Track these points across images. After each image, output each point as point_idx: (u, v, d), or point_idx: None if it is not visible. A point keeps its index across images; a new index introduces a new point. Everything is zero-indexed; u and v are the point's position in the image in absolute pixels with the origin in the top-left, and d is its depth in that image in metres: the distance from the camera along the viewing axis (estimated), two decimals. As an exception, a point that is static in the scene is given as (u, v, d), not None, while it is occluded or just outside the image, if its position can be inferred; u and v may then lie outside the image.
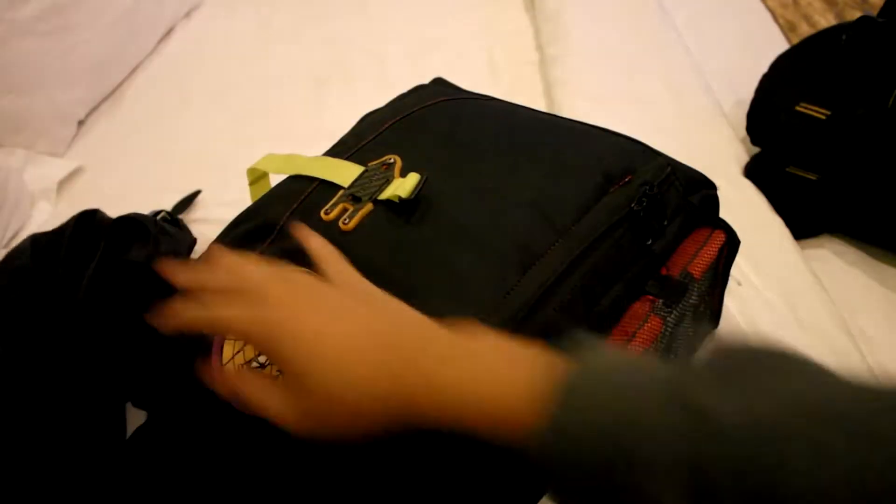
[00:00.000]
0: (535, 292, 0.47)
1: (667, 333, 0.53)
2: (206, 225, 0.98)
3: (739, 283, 0.80)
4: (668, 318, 0.53)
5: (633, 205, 0.54)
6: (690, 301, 0.56)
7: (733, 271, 0.76)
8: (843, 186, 0.85)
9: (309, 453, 0.49)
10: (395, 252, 0.51)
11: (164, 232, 0.76)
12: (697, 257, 0.57)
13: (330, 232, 0.54)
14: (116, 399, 0.73)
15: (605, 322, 0.51)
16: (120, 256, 0.70)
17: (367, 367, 0.39)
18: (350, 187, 0.57)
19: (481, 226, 0.52)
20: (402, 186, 0.53)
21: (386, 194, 0.54)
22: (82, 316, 0.68)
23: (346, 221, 0.54)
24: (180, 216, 0.99)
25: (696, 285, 0.57)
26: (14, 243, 1.01)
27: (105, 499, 0.64)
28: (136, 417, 0.73)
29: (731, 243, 0.62)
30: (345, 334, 0.40)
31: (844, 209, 0.88)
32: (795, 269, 0.82)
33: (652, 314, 0.52)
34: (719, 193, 0.64)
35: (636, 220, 0.54)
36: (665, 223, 0.56)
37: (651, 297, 0.53)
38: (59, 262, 0.76)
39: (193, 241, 0.79)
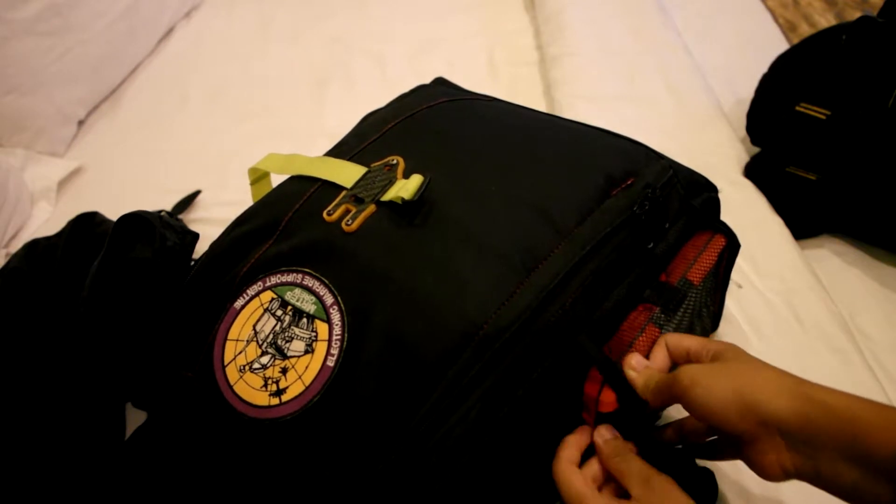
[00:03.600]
0: (537, 295, 0.47)
1: None
2: (207, 225, 0.98)
3: (740, 286, 0.81)
4: (666, 327, 0.53)
5: (635, 208, 0.53)
6: (689, 307, 0.56)
7: (734, 272, 0.76)
8: (843, 186, 0.85)
9: (306, 453, 0.49)
10: (398, 253, 0.51)
11: (168, 226, 0.76)
12: (696, 263, 0.57)
13: (333, 233, 0.54)
14: (116, 399, 0.73)
15: (606, 325, 0.51)
16: (124, 254, 0.70)
17: None
18: (353, 188, 0.57)
19: (483, 228, 0.52)
20: (406, 188, 0.53)
21: (389, 196, 0.54)
22: (86, 314, 0.68)
23: (350, 223, 0.54)
24: (180, 216, 0.99)
25: (695, 291, 0.56)
26: (14, 243, 1.02)
27: (105, 499, 0.64)
28: (136, 417, 0.73)
29: (732, 247, 0.62)
30: None
31: (844, 209, 0.88)
32: (795, 268, 0.82)
33: (650, 323, 0.52)
34: (719, 194, 0.64)
35: (638, 224, 0.53)
36: (667, 226, 0.56)
37: (649, 306, 0.53)
38: (55, 265, 0.76)
39: (196, 238, 0.79)
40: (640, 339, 0.51)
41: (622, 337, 0.51)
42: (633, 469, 0.45)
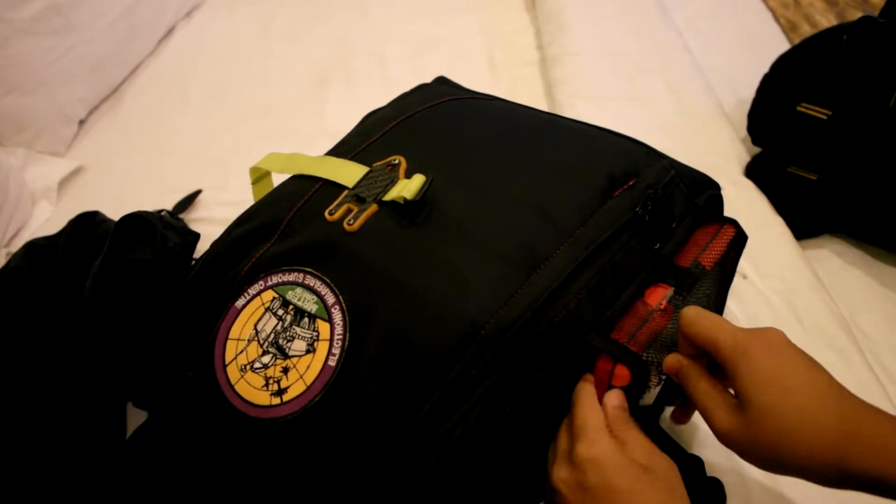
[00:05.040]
0: (539, 295, 0.47)
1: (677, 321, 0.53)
2: (207, 225, 0.98)
3: (745, 277, 0.80)
4: (680, 307, 0.52)
5: (637, 209, 0.53)
6: (702, 291, 0.56)
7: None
8: (844, 186, 0.85)
9: (307, 453, 0.49)
10: (400, 253, 0.51)
11: (169, 227, 0.76)
12: (708, 249, 0.56)
13: (334, 232, 0.54)
14: (116, 399, 0.73)
15: (614, 325, 0.50)
16: (124, 255, 0.70)
17: None
18: (354, 188, 0.57)
19: (485, 228, 0.52)
20: (408, 188, 0.53)
21: (391, 195, 0.54)
22: (87, 314, 0.68)
23: (351, 222, 0.54)
24: (181, 216, 0.99)
25: (708, 276, 0.56)
26: (15, 242, 1.02)
27: (105, 499, 0.64)
28: (136, 417, 0.73)
29: (739, 238, 0.61)
30: None
31: (845, 209, 0.88)
32: (796, 268, 0.83)
33: (665, 301, 0.52)
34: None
35: (642, 225, 0.53)
36: (673, 226, 0.56)
37: (665, 286, 0.53)
38: (55, 264, 0.76)
39: (196, 238, 0.79)
40: (655, 315, 0.50)
41: (638, 312, 0.51)
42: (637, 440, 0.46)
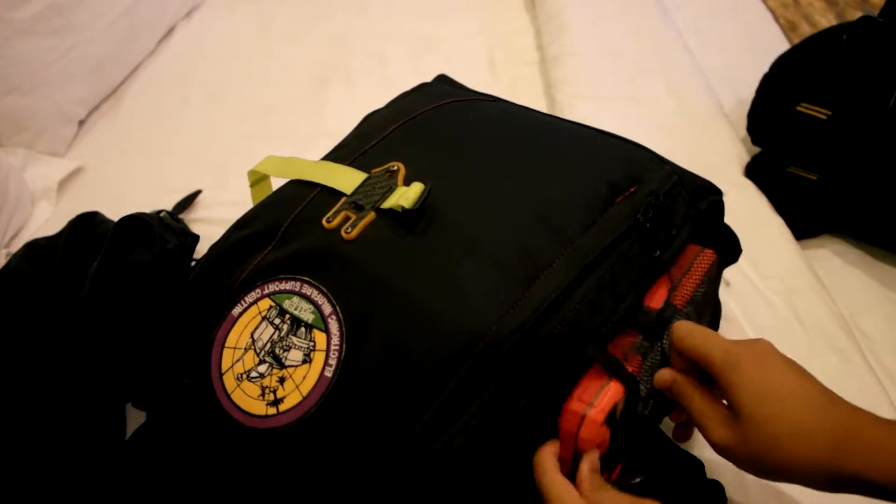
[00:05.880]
0: (539, 305, 0.46)
1: (647, 368, 0.51)
2: (207, 225, 0.98)
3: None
4: (650, 355, 0.51)
5: (638, 216, 0.52)
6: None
7: (734, 271, 0.76)
8: (844, 186, 0.85)
9: (303, 464, 0.49)
10: (398, 262, 0.51)
11: (168, 228, 0.76)
12: (680, 286, 0.55)
13: (332, 240, 0.53)
14: (116, 399, 0.73)
15: (614, 336, 0.50)
16: (123, 257, 0.70)
17: None
18: (352, 195, 0.56)
19: (485, 237, 0.51)
20: (406, 196, 0.52)
21: (389, 203, 0.53)
22: (85, 316, 0.68)
23: (349, 230, 0.53)
24: (181, 216, 0.99)
25: (680, 315, 0.53)
26: (15, 243, 1.02)
27: (105, 499, 0.64)
28: (136, 417, 0.73)
29: (731, 255, 0.61)
30: None
31: (845, 209, 0.88)
32: (796, 268, 0.83)
33: (632, 352, 0.50)
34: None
35: (643, 232, 0.52)
36: (674, 233, 0.55)
37: (632, 332, 0.51)
38: (55, 264, 0.76)
39: (196, 239, 0.79)
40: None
41: (623, 341, 0.50)
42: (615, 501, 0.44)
